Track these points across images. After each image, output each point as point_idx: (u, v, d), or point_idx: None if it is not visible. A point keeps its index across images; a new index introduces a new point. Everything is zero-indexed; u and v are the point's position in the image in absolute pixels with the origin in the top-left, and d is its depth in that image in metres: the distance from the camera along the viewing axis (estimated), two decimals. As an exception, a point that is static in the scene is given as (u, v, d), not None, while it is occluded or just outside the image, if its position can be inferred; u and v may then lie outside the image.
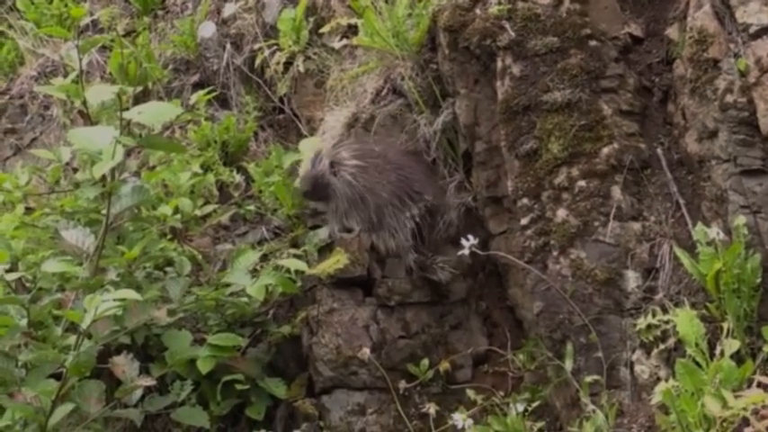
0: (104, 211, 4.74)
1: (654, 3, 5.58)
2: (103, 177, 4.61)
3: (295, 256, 5.43)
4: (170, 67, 7.18)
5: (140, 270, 5.21)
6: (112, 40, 6.99)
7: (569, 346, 4.94)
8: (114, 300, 4.28)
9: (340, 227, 5.59)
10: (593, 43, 5.24)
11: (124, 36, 7.33)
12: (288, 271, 5.36)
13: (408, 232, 5.54)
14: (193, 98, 6.02)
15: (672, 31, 5.34)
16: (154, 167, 6.01)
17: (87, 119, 4.82)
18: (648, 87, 5.38)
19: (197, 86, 6.88)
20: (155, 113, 4.30)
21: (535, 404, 4.97)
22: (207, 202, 6.08)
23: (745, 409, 3.94)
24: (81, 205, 5.25)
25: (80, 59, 4.66)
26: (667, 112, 5.30)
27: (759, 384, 4.15)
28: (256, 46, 6.82)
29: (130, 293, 4.36)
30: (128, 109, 4.32)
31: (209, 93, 6.37)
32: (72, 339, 4.52)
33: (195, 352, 5.11)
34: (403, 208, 5.54)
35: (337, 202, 5.58)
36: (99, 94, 4.57)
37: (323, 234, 5.65)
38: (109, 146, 4.27)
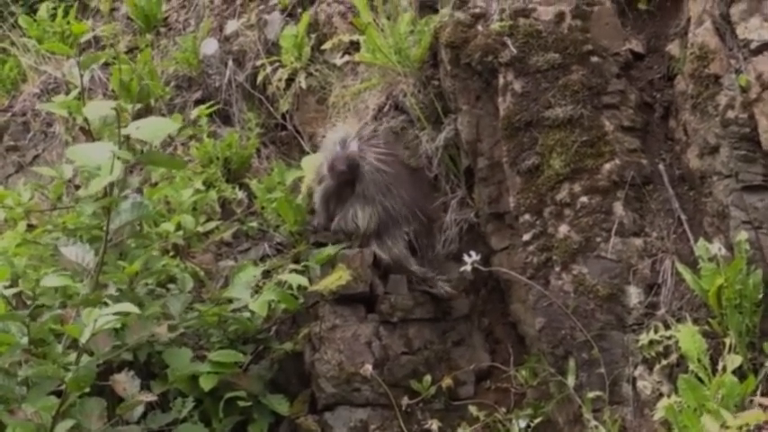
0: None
1: (655, 19, 5.60)
2: (104, 193, 4.60)
3: (297, 271, 5.41)
4: (172, 83, 7.17)
5: (142, 286, 5.18)
6: (115, 57, 7.00)
7: (571, 362, 4.94)
8: (113, 314, 4.27)
9: (380, 208, 5.52)
10: (594, 59, 5.26)
11: (126, 53, 7.35)
12: (290, 287, 5.35)
13: (408, 246, 5.55)
14: (195, 113, 6.02)
15: (673, 48, 5.36)
16: (156, 184, 6.01)
17: (89, 135, 4.82)
18: (650, 103, 5.39)
19: (199, 103, 6.91)
20: (153, 129, 4.26)
21: (537, 420, 4.98)
22: (209, 219, 6.04)
23: (741, 428, 3.97)
24: (83, 222, 5.24)
25: (81, 76, 4.65)
26: (669, 127, 5.32)
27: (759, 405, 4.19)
28: (258, 63, 6.82)
29: (129, 307, 4.34)
30: (126, 125, 4.31)
31: (210, 107, 6.37)
32: (73, 357, 4.48)
33: (196, 368, 5.09)
34: (408, 222, 5.55)
35: (365, 185, 5.53)
36: (97, 109, 4.57)
37: (350, 218, 5.60)
38: (107, 161, 4.25)
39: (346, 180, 5.56)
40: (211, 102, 6.80)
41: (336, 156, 5.53)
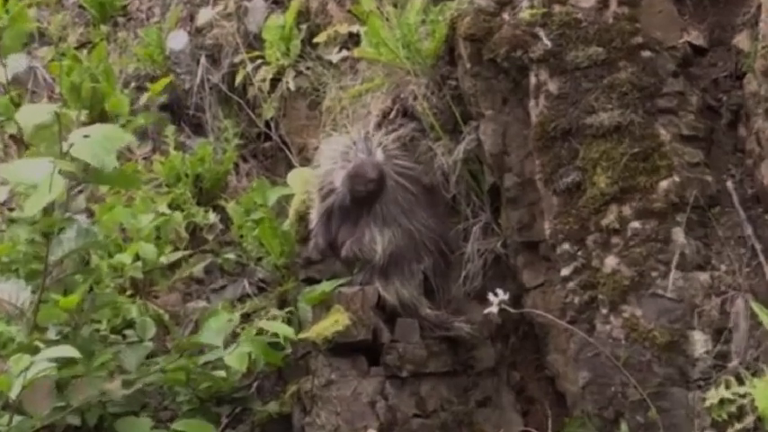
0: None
1: (718, 6, 5.47)
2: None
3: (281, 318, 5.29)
4: (132, 84, 7.08)
5: (88, 329, 4.99)
6: (63, 54, 6.96)
7: (624, 427, 4.77)
8: (50, 360, 4.18)
9: (401, 232, 5.42)
10: (645, 54, 5.08)
11: (77, 48, 7.25)
12: (275, 335, 5.16)
13: (421, 285, 5.45)
14: (143, 99, 6.10)
15: (741, 40, 5.22)
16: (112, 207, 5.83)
17: (21, 144, 4.66)
18: (715, 107, 5.24)
19: (165, 108, 6.87)
20: (102, 140, 4.19)
21: (582, 496, 4.80)
22: (175, 249, 5.93)
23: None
24: (20, 251, 5.07)
25: (4, 66, 4.56)
26: (738, 136, 5.16)
27: None
28: (237, 59, 6.75)
29: (69, 351, 4.24)
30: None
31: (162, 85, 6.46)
32: (6, 419, 4.41)
33: (157, 439, 4.88)
34: (428, 253, 5.47)
35: (386, 203, 5.41)
36: (33, 115, 4.44)
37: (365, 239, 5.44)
38: (46, 177, 4.17)
39: (369, 193, 5.36)
40: (165, 78, 6.70)
41: (363, 162, 5.35)
